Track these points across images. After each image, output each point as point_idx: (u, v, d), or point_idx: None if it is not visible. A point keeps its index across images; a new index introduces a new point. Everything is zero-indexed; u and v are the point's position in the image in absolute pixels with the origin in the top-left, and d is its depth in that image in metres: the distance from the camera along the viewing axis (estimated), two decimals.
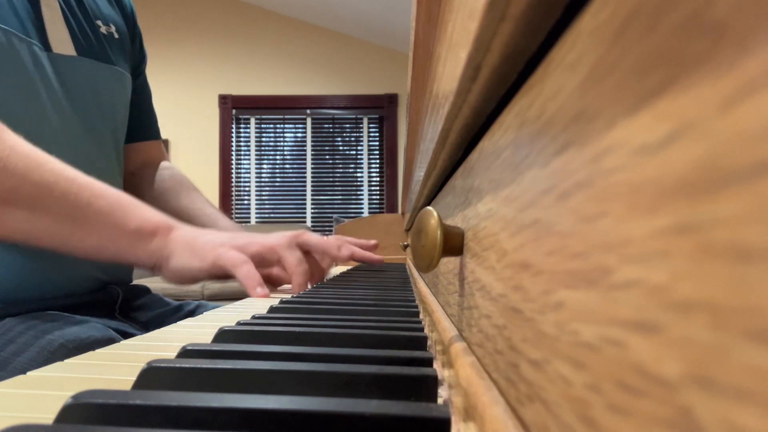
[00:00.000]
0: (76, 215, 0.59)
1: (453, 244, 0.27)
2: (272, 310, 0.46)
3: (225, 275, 0.66)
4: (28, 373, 0.27)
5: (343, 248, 0.79)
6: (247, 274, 0.65)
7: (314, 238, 0.74)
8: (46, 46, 0.67)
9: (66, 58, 0.69)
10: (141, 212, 0.64)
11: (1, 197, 0.56)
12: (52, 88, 0.66)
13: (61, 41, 0.69)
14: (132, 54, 0.84)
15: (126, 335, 0.62)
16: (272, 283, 0.79)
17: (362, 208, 4.10)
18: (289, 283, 0.79)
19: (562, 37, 0.13)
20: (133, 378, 0.24)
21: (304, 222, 4.03)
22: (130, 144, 0.85)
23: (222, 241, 0.67)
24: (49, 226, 0.58)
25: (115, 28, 0.78)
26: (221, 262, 0.65)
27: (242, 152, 4.09)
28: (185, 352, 0.27)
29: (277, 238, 0.70)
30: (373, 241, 0.94)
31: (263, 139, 4.12)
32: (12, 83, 0.62)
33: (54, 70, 0.67)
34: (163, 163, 0.94)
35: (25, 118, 0.62)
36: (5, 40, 0.61)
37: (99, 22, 0.75)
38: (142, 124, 0.89)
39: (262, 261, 0.69)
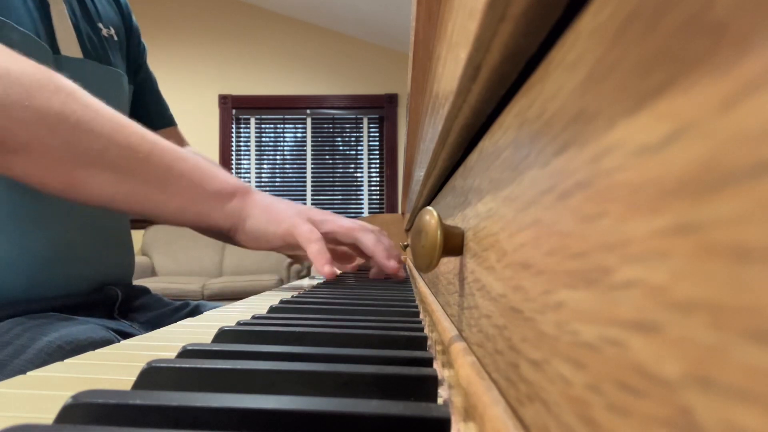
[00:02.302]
0: (159, 177, 0.59)
1: (453, 244, 0.27)
2: (272, 310, 0.46)
3: (296, 246, 0.67)
4: (28, 373, 0.27)
5: (391, 262, 0.75)
6: (319, 251, 0.65)
7: (373, 240, 0.73)
8: (55, 49, 0.67)
9: (73, 61, 0.70)
10: (221, 175, 0.65)
11: (89, 160, 0.55)
12: None
13: (69, 44, 0.70)
14: (129, 52, 0.84)
15: (125, 335, 0.62)
16: (340, 260, 0.80)
17: (362, 208, 4.10)
18: (349, 264, 0.81)
19: (562, 37, 0.13)
20: (133, 378, 0.24)
21: None
22: None
23: (299, 210, 0.68)
24: (133, 189, 0.58)
25: (114, 30, 0.79)
26: (295, 232, 0.66)
27: (242, 152, 4.09)
28: (185, 352, 0.27)
29: (352, 222, 0.72)
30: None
31: (263, 139, 4.12)
32: None
33: (64, 73, 0.67)
34: (187, 149, 0.94)
35: None
36: (22, 41, 0.62)
37: (100, 25, 0.76)
38: (154, 112, 0.90)
39: (334, 240, 0.71)
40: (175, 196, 0.61)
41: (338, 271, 0.68)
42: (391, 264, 0.72)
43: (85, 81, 0.71)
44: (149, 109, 0.89)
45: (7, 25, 0.61)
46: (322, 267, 0.66)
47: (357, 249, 0.75)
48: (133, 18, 0.87)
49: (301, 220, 0.66)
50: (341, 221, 0.71)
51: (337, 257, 0.79)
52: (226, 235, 0.69)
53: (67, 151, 0.54)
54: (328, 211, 0.72)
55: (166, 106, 0.94)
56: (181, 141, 0.95)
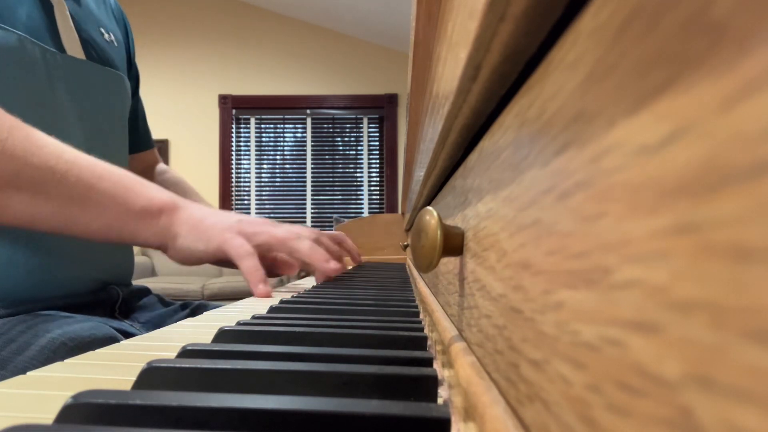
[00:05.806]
0: (79, 198, 0.58)
1: (453, 244, 0.27)
2: (272, 310, 0.46)
3: (228, 261, 0.66)
4: (28, 373, 0.27)
5: (331, 264, 0.72)
6: (251, 268, 0.64)
7: (308, 247, 0.71)
8: (60, 49, 0.68)
9: (78, 62, 0.70)
10: (146, 191, 0.63)
11: (3, 181, 0.54)
12: (63, 93, 0.67)
13: (73, 45, 0.70)
14: (128, 67, 0.86)
15: (126, 335, 0.62)
16: (280, 269, 0.77)
17: (362, 208, 4.10)
18: (291, 272, 0.78)
19: (562, 37, 0.13)
20: (133, 378, 0.24)
21: (304, 222, 4.03)
22: (131, 155, 0.88)
23: (230, 224, 0.66)
24: (52, 210, 0.57)
25: (114, 37, 0.80)
26: (225, 247, 0.64)
27: (242, 152, 4.09)
28: (185, 352, 0.27)
29: (286, 230, 0.69)
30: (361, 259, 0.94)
31: (263, 139, 4.12)
32: (25, 87, 0.63)
33: (67, 73, 0.68)
34: (159, 167, 0.98)
35: (37, 122, 0.63)
36: (19, 45, 0.62)
37: (102, 30, 0.77)
38: (141, 137, 0.92)
39: (269, 251, 0.69)
40: (98, 217, 0.60)
41: (272, 293, 0.65)
42: (331, 266, 0.70)
43: (88, 82, 0.71)
44: (140, 133, 0.91)
45: (2, 29, 0.61)
46: (256, 286, 0.64)
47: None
48: (132, 43, 0.88)
49: (231, 234, 0.65)
50: (275, 231, 0.68)
51: (277, 266, 0.77)
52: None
53: None
54: (264, 220, 0.70)
55: (149, 132, 0.96)
56: (157, 159, 0.98)
